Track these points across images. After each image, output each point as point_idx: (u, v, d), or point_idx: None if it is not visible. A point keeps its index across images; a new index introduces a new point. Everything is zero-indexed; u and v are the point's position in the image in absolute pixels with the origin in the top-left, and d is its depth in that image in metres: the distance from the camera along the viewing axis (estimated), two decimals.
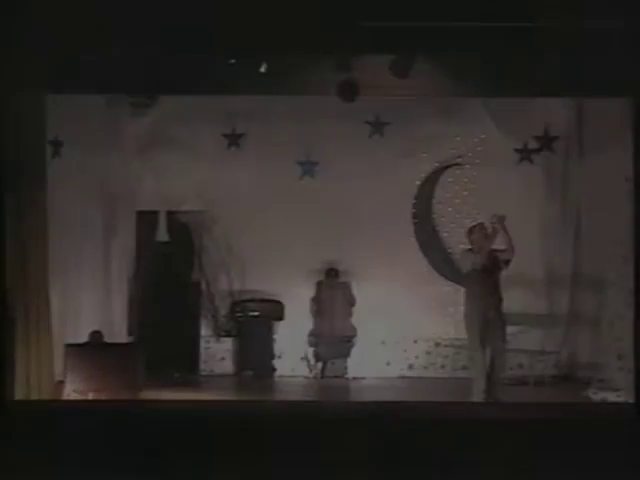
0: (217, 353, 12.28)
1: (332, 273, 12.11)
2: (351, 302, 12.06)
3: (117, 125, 11.72)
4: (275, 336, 12.21)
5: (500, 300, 9.78)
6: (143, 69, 9.34)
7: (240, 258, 12.06)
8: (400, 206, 12.26)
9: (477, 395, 9.53)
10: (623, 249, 10.30)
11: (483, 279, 9.72)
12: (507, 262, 9.72)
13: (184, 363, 12.02)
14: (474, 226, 9.92)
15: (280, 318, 12.16)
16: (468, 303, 9.85)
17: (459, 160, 12.31)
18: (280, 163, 12.11)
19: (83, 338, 10.57)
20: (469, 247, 9.90)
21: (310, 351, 12.16)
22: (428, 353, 12.22)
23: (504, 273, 9.82)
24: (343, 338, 12.06)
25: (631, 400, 8.94)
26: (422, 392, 11.12)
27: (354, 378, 11.97)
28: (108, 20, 8.52)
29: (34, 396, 9.43)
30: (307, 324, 12.20)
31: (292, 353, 12.21)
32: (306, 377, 12.10)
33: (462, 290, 11.62)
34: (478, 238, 9.76)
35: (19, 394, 9.15)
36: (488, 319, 9.66)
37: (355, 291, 12.06)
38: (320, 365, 12.14)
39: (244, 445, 4.61)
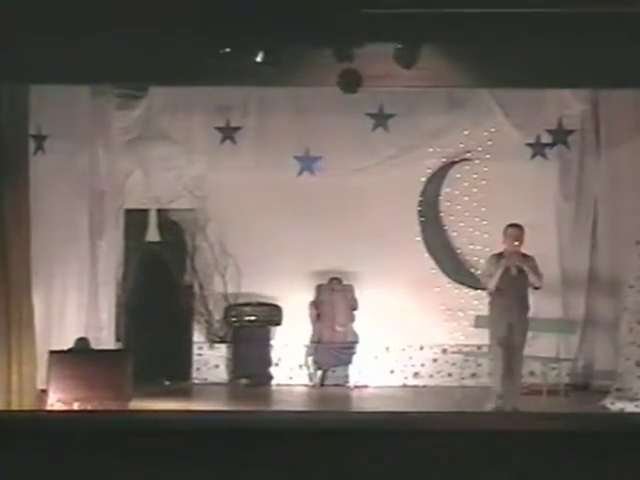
0: (211, 360, 12.28)
1: (334, 281, 12.11)
2: (353, 306, 12.07)
3: (104, 118, 11.73)
4: (272, 342, 12.22)
5: (525, 306, 9.82)
6: (131, 58, 9.34)
7: (235, 259, 12.07)
8: (405, 204, 12.26)
9: (497, 406, 9.60)
10: None
11: (509, 281, 9.71)
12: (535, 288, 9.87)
13: (175, 371, 12.04)
14: (513, 225, 9.84)
15: (278, 323, 12.16)
16: (492, 306, 9.90)
17: (468, 155, 12.31)
18: (277, 158, 12.11)
19: (68, 344, 10.57)
20: (499, 252, 9.88)
21: (310, 358, 12.16)
22: (435, 360, 12.23)
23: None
24: (345, 344, 12.07)
25: None
26: (428, 402, 11.13)
27: (356, 387, 11.98)
28: (94, 7, 8.52)
29: (15, 406, 9.44)
30: (306, 329, 12.20)
31: (290, 360, 12.21)
32: (305, 386, 12.11)
33: (471, 293, 11.68)
34: (513, 238, 9.75)
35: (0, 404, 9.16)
36: (511, 324, 9.69)
37: (358, 294, 12.07)
38: (320, 373, 12.14)
39: (239, 458, 4.61)
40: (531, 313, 10.67)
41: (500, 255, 9.88)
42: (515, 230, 9.81)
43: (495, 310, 9.85)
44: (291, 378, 12.21)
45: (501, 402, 9.72)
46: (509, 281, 9.75)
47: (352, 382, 12.07)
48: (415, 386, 12.14)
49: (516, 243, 9.73)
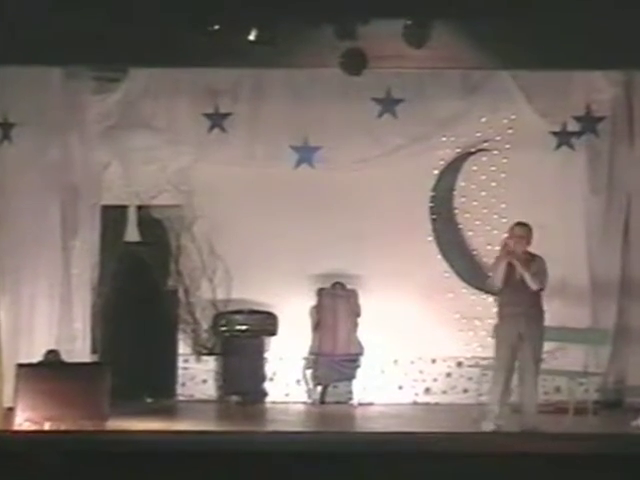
0: (198, 375, 12.28)
1: (337, 286, 12.12)
2: (356, 313, 12.07)
3: (78, 104, 11.72)
4: (266, 354, 12.22)
5: (538, 313, 9.91)
6: (109, 37, 9.34)
7: (225, 261, 12.06)
8: (415, 200, 12.26)
9: (495, 425, 9.75)
10: None
11: (517, 287, 9.89)
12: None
13: (158, 387, 12.04)
14: (519, 224, 10.15)
15: (272, 333, 12.16)
16: (498, 314, 10.08)
17: (485, 145, 12.31)
18: (272, 149, 12.11)
19: (38, 357, 10.57)
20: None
21: (308, 372, 12.17)
22: (448, 375, 12.23)
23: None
24: (347, 357, 12.07)
25: None
26: (441, 421, 11.13)
27: (360, 404, 11.98)
28: None
29: None
30: (305, 340, 12.21)
31: (287, 375, 12.22)
32: (303, 403, 12.12)
33: (489, 300, 11.70)
34: (518, 237, 10.01)
35: None
36: (521, 334, 9.83)
37: (362, 300, 12.06)
38: (320, 389, 12.15)
39: None
40: (557, 322, 10.70)
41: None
42: (520, 229, 10.03)
43: (502, 319, 10.04)
44: (287, 395, 12.20)
45: (501, 422, 9.83)
46: (514, 286, 9.91)
47: (356, 399, 12.07)
48: (426, 403, 12.14)
49: (520, 244, 9.97)
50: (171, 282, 12.31)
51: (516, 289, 9.97)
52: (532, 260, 10.02)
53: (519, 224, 10.16)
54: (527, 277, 9.89)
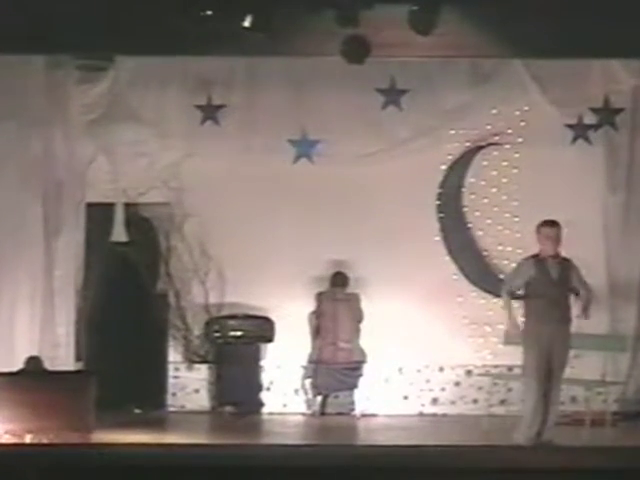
0: (189, 384, 12.30)
1: (339, 279, 12.09)
2: (358, 318, 12.07)
3: (61, 94, 11.73)
4: (263, 362, 12.23)
5: (568, 316, 9.87)
6: (95, 23, 9.35)
7: (218, 263, 12.07)
8: (422, 197, 12.27)
9: (525, 437, 9.64)
10: None
11: (551, 286, 9.79)
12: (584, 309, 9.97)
13: (147, 397, 12.05)
14: (548, 223, 9.92)
15: (269, 339, 12.17)
16: (528, 315, 9.95)
17: (496, 138, 12.32)
18: (269, 142, 12.12)
19: (18, 365, 10.58)
20: (534, 254, 9.93)
21: (307, 381, 12.18)
22: (457, 384, 12.24)
23: None
24: (349, 365, 12.07)
25: None
26: (449, 433, 11.15)
27: (363, 415, 11.99)
28: None
29: None
30: (303, 347, 12.21)
31: (284, 384, 12.23)
32: (302, 414, 12.13)
33: (501, 304, 11.71)
34: (550, 238, 9.82)
35: None
36: (552, 337, 9.74)
37: (365, 305, 12.07)
38: (320, 399, 12.16)
39: None
40: (572, 327, 10.69)
41: (536, 258, 9.90)
42: (551, 229, 9.86)
43: (531, 320, 9.87)
44: (285, 405, 12.22)
45: (533, 434, 9.75)
46: (548, 285, 9.80)
47: (358, 410, 12.08)
48: (434, 414, 12.15)
49: (553, 244, 9.81)
50: (161, 285, 12.31)
51: (547, 287, 9.80)
52: (569, 267, 9.91)
53: (548, 223, 9.93)
54: (585, 285, 9.87)
